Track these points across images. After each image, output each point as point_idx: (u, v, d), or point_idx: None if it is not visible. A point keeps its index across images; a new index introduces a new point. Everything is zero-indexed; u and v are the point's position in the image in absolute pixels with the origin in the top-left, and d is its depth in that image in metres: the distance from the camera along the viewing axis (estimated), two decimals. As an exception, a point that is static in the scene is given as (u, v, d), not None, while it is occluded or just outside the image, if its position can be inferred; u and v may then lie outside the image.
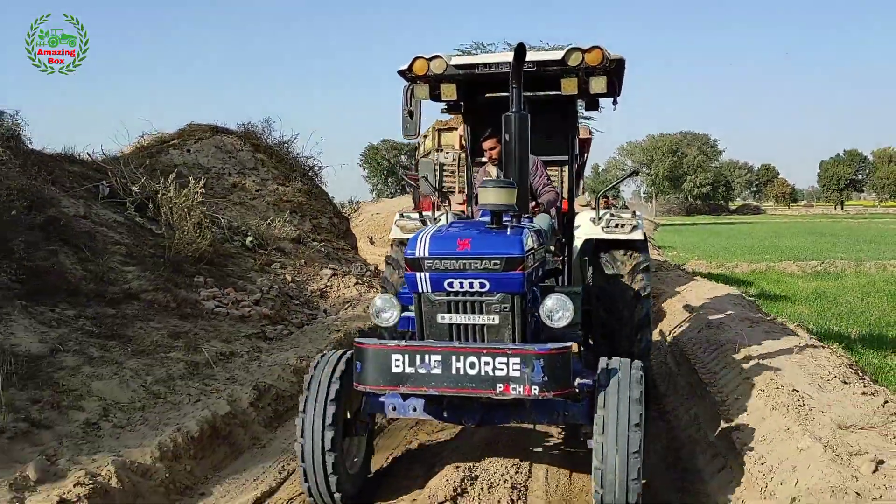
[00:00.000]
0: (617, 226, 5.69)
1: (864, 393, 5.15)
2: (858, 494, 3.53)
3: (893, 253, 24.15)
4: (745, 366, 6.12)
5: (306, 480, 4.19)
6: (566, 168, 6.78)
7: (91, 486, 3.73)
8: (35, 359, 4.94)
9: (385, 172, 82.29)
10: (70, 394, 4.81)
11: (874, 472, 3.70)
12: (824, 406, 4.82)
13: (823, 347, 6.83)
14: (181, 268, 8.88)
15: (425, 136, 10.57)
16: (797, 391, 5.12)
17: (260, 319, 8.16)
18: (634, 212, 5.93)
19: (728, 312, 9.09)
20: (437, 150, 9.20)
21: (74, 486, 3.69)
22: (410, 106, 5.52)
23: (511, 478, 4.72)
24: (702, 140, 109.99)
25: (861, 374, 6.00)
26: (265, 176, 15.21)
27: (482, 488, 4.54)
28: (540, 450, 5.36)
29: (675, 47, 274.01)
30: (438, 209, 6.20)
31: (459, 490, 4.47)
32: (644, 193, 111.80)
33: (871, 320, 11.04)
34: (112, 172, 11.03)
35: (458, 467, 4.80)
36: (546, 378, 3.77)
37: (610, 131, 78.83)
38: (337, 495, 4.21)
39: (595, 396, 3.96)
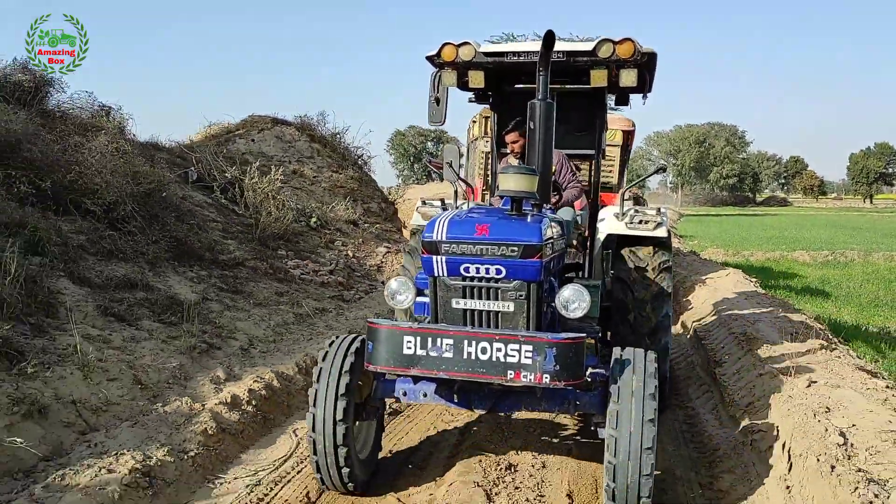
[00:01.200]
0: (641, 222, 5.54)
1: (823, 347, 6.71)
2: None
3: None
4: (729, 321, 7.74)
5: (318, 472, 4.17)
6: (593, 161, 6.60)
7: (261, 384, 5.43)
8: (192, 304, 6.66)
9: (412, 159, 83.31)
10: (224, 329, 6.53)
11: (808, 385, 5.26)
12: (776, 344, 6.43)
13: (800, 312, 8.41)
14: (266, 242, 10.59)
15: (473, 122, 11.18)
16: (763, 340, 6.72)
17: (336, 286, 9.85)
18: (660, 208, 5.79)
19: (730, 290, 10.66)
20: (483, 137, 9.95)
21: (252, 383, 5.40)
22: (437, 93, 5.50)
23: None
24: (729, 131, 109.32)
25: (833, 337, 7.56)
26: (321, 164, 16.90)
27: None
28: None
29: (706, 37, 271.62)
30: (462, 198, 6.06)
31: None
32: (670, 184, 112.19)
33: (861, 302, 12.45)
34: (197, 159, 12.78)
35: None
36: (558, 367, 3.72)
37: (639, 123, 79.69)
38: (350, 485, 4.21)
39: (608, 387, 3.92)
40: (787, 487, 4.20)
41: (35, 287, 5.28)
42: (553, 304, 4.18)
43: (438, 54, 5.23)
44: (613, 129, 10.57)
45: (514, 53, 5.23)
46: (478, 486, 4.30)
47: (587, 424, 5.10)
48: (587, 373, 3.97)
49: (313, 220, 13.42)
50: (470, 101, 6.10)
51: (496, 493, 4.25)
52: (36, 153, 6.91)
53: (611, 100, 6.43)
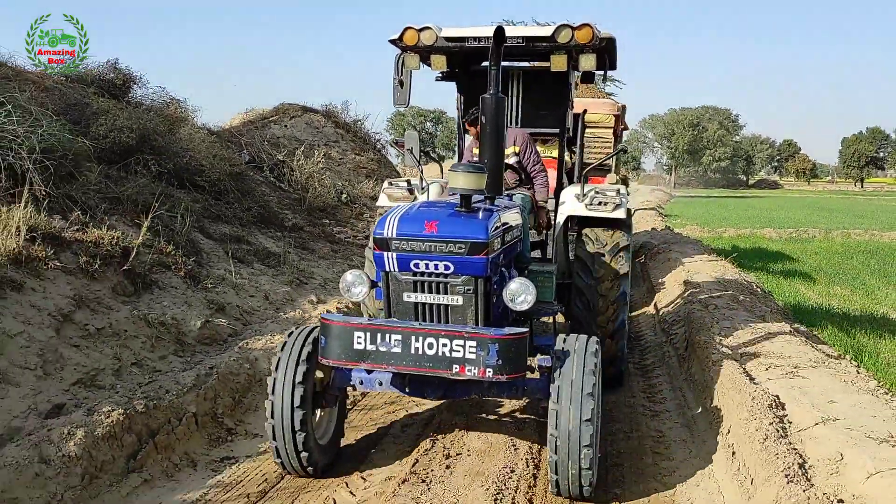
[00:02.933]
0: (601, 203, 5.61)
1: (753, 294, 9.17)
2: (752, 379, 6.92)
3: (867, 224, 27.64)
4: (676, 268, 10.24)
5: (278, 456, 4.28)
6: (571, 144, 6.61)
7: (342, 307, 7.91)
8: (280, 255, 9.12)
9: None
10: (305, 272, 9.01)
11: (730, 337, 7.75)
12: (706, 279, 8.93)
13: (730, 264, 10.98)
14: (313, 213, 13.03)
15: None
16: (697, 280, 9.23)
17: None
18: (619, 189, 5.86)
19: (684, 249, 13.20)
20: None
21: (335, 305, 7.88)
22: (401, 75, 5.57)
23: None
24: (723, 114, 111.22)
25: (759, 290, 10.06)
26: (345, 147, 19.25)
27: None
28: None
29: (702, 20, 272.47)
30: (427, 180, 6.24)
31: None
32: (665, 166, 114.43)
33: (803, 269, 14.90)
34: (247, 143, 15.18)
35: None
36: (500, 361, 3.79)
37: (632, 105, 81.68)
38: (309, 468, 4.31)
39: (552, 370, 4.01)
40: (733, 453, 4.58)
41: (187, 238, 7.75)
42: (501, 296, 4.28)
43: (401, 38, 5.42)
44: (604, 114, 11.66)
45: (474, 38, 5.36)
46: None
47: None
48: (537, 359, 4.20)
49: (343, 195, 15.85)
50: (437, 80, 6.26)
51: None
52: (160, 142, 9.31)
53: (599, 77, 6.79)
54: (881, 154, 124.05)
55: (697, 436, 5.21)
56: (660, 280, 10.97)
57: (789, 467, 3.80)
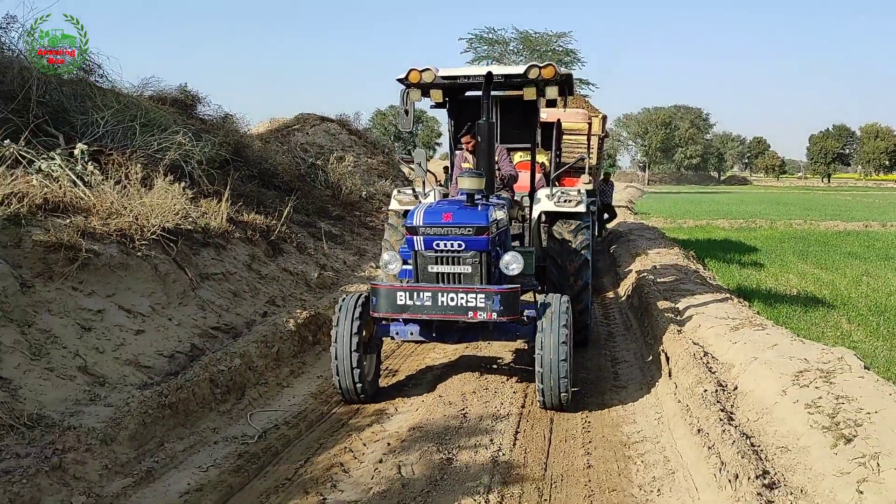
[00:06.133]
0: (566, 201, 7.00)
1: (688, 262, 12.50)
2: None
3: (812, 216, 30.72)
4: (637, 252, 13.53)
5: (339, 387, 5.59)
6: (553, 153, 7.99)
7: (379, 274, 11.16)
8: (339, 235, 12.35)
9: (392, 138, 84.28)
10: (359, 247, 12.25)
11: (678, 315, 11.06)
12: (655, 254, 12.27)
13: (683, 252, 14.34)
14: (346, 207, 16.25)
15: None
16: (646, 255, 12.56)
17: (396, 233, 15.63)
18: (579, 190, 7.23)
19: (641, 235, 16.54)
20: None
21: (371, 272, 11.16)
22: (406, 106, 6.73)
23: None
24: (694, 113, 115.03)
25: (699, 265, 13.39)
26: (359, 152, 22.38)
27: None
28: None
29: (675, 22, 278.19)
30: (429, 186, 7.47)
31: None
32: (640, 164, 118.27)
33: (741, 251, 18.15)
34: (286, 150, 18.32)
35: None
36: (502, 307, 5.12)
37: (605, 106, 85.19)
38: (362, 396, 5.62)
39: (536, 322, 5.31)
40: (669, 375, 6.20)
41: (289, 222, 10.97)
42: (498, 266, 5.57)
43: (406, 77, 6.52)
44: (577, 122, 13.49)
45: (465, 77, 6.57)
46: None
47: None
48: (524, 313, 5.39)
49: (364, 193, 19.05)
50: (431, 107, 7.30)
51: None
52: (251, 152, 12.49)
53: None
54: (847, 150, 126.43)
55: (647, 374, 6.73)
56: (625, 263, 13.43)
57: (701, 371, 5.65)
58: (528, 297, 6.62)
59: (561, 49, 45.53)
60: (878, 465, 3.54)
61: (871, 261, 15.65)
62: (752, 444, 4.27)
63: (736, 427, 4.53)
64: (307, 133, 22.13)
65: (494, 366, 7.08)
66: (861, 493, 3.39)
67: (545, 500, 4.14)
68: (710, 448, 4.35)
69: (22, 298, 5.17)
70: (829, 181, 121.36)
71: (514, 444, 4.94)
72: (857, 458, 3.65)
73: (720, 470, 4.01)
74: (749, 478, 3.74)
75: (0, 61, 8.57)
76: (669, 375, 6.25)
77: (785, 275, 13.52)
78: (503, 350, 7.59)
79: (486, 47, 45.86)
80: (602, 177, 19.11)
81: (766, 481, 3.75)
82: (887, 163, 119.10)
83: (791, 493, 3.67)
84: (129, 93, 11.75)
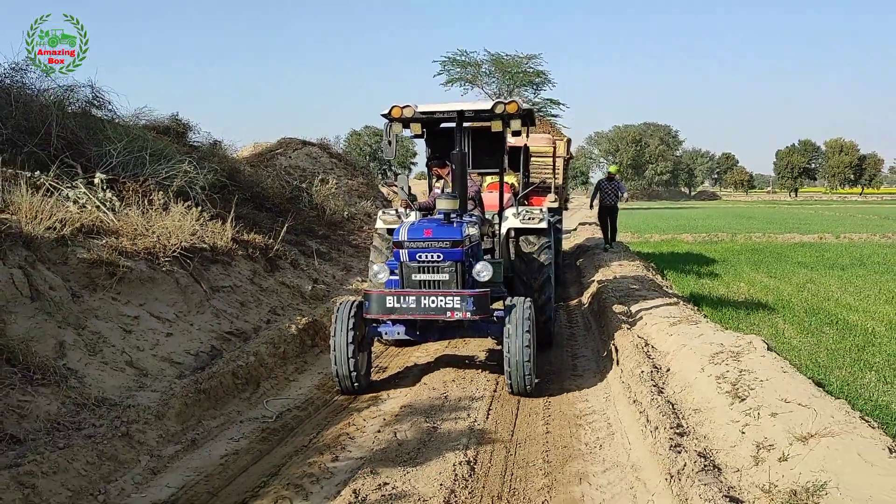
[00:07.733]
0: (531, 219, 7.79)
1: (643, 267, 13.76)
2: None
3: (772, 229, 32.16)
4: (601, 267, 14.75)
5: (337, 377, 6.44)
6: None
7: (365, 286, 12.27)
8: (325, 252, 13.41)
9: (367, 158, 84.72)
10: (345, 263, 13.32)
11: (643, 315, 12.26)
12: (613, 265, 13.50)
13: (644, 263, 15.61)
14: (331, 226, 17.31)
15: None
16: (612, 267, 13.79)
17: (378, 250, 16.71)
18: (542, 209, 8.01)
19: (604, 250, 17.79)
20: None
21: (357, 285, 12.22)
22: (389, 137, 7.35)
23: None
24: (664, 130, 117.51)
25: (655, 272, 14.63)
26: (339, 174, 23.44)
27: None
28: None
29: (643, 40, 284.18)
30: (409, 208, 8.10)
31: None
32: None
33: (700, 263, 19.49)
34: (271, 173, 19.37)
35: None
36: (475, 307, 5.97)
37: (577, 125, 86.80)
38: (357, 386, 6.46)
39: (504, 318, 6.19)
40: (617, 363, 7.27)
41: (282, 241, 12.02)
42: (471, 274, 6.49)
43: (389, 112, 7.11)
44: (542, 146, 14.72)
45: (441, 112, 7.28)
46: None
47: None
48: (494, 314, 6.31)
49: (346, 213, 20.12)
50: (410, 137, 7.98)
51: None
52: (244, 176, 13.54)
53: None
54: (812, 165, 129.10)
55: (601, 365, 7.72)
56: (588, 274, 14.70)
57: (641, 357, 6.88)
58: (498, 305, 7.22)
59: (531, 70, 47.01)
60: (759, 414, 4.71)
61: (818, 269, 16.76)
62: (674, 408, 5.44)
63: (663, 397, 5.69)
64: (289, 157, 23.15)
65: (470, 361, 8.09)
66: (743, 433, 4.56)
67: (511, 454, 5.26)
68: (641, 413, 5.50)
69: (74, 306, 6.20)
70: (796, 195, 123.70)
71: (488, 418, 6.05)
72: (745, 411, 4.83)
73: (646, 426, 5.15)
74: (665, 428, 4.88)
75: (24, 100, 9.54)
76: (617, 363, 7.32)
77: (737, 283, 14.52)
78: (478, 349, 8.66)
79: (459, 70, 47.21)
80: (606, 176, 19.69)
81: (678, 431, 4.90)
82: (852, 177, 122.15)
83: (696, 438, 4.83)
84: (127, 122, 12.74)
